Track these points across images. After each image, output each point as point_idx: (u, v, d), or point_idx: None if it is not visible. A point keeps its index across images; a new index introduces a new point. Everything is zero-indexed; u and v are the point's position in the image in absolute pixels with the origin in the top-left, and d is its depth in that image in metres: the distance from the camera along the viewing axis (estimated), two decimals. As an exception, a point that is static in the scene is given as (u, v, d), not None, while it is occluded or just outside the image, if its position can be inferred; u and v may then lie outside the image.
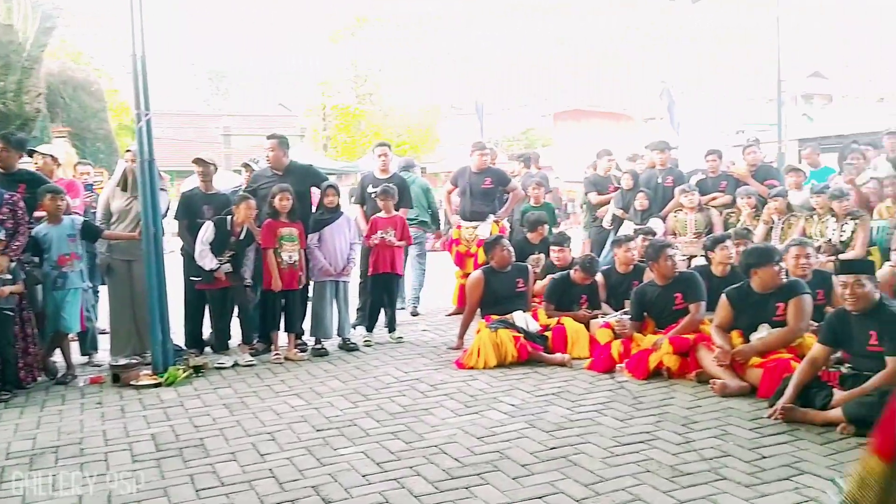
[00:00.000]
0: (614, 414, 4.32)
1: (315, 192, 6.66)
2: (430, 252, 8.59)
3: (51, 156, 6.58)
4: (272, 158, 6.42)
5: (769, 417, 4.10)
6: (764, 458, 3.56)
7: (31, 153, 6.35)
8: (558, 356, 5.53)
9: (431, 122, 30.44)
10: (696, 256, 7.20)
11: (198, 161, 6.29)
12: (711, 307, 5.23)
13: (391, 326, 6.69)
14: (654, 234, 7.12)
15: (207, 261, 5.81)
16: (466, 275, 7.53)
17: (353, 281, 6.78)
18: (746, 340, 4.82)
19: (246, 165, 7.36)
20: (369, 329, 6.65)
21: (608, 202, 8.49)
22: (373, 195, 7.00)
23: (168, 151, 13.79)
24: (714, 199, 7.84)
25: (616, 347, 5.35)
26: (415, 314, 7.84)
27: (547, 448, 3.79)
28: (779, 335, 4.67)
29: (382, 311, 6.73)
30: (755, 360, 4.64)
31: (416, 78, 30.69)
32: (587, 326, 5.90)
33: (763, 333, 4.75)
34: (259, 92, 50.07)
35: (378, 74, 31.28)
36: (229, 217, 5.92)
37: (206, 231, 5.86)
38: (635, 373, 5.05)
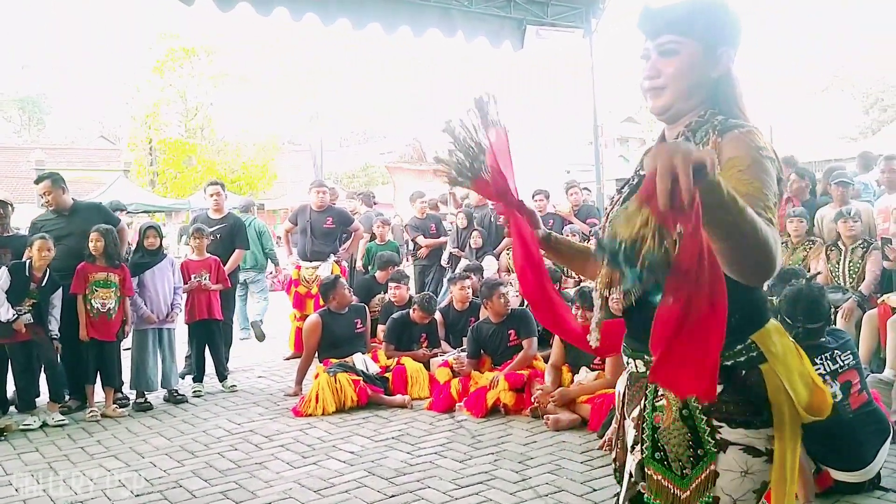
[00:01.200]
0: (454, 455, 4.32)
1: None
2: (272, 291, 8.39)
3: None
4: (51, 200, 5.84)
5: (599, 448, 4.28)
6: (594, 490, 3.69)
7: None
8: (398, 398, 5.49)
9: (268, 157, 29.75)
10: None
11: None
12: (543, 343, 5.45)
13: (220, 375, 6.33)
14: (482, 270, 7.33)
15: (3, 311, 5.21)
16: (304, 317, 7.32)
17: (181, 328, 6.36)
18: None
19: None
20: (197, 379, 6.25)
21: (436, 245, 8.66)
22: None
23: (-33, 187, 12.46)
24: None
25: (455, 386, 5.39)
26: (260, 336, 7.77)
27: (387, 497, 3.71)
28: (594, 385, 4.89)
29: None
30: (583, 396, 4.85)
31: (251, 111, 29.97)
32: (427, 366, 5.91)
33: (582, 377, 5.01)
34: (79, 123, 46.80)
35: (209, 108, 30.20)
36: (28, 261, 5.36)
37: (1, 278, 5.25)
38: (474, 411, 5.11)
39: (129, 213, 13.73)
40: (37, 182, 5.83)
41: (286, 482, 3.97)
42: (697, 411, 1.46)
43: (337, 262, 7.43)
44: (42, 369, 5.51)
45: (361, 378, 5.54)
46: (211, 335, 6.30)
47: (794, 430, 1.48)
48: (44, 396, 5.55)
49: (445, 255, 8.68)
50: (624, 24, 7.39)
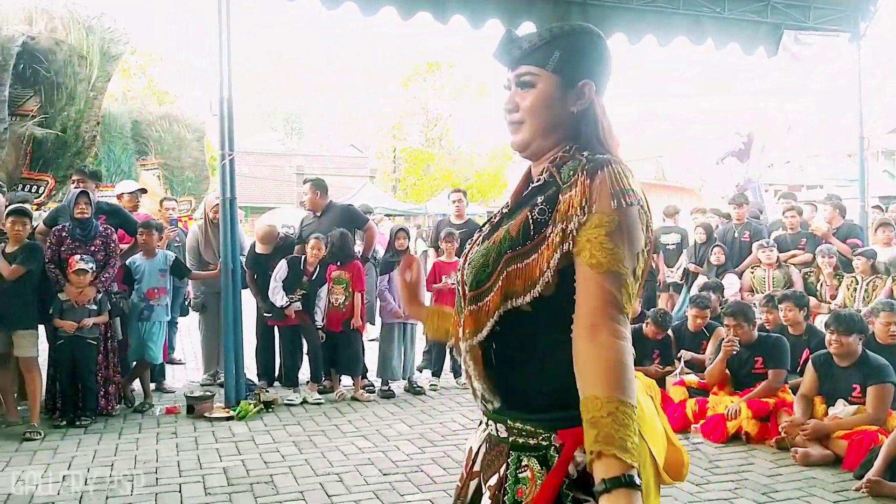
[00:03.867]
0: (689, 477, 4.16)
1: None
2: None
3: (140, 189, 6.93)
4: (308, 202, 6.54)
5: (856, 490, 3.90)
6: (852, 535, 3.38)
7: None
8: (629, 412, 5.38)
9: (500, 166, 30.66)
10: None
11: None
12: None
13: (456, 371, 6.66)
14: (722, 289, 6.96)
15: (279, 297, 5.94)
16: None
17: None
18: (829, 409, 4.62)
19: None
20: (436, 374, 6.64)
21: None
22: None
23: (243, 188, 14.22)
24: (794, 255, 7.61)
25: (691, 406, 5.18)
26: None
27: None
28: (854, 420, 4.43)
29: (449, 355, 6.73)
30: (839, 431, 4.43)
31: (485, 122, 31.09)
32: (660, 383, 5.75)
33: (839, 409, 4.55)
34: (332, 133, 51.54)
35: (448, 119, 31.80)
36: (303, 257, 6.06)
37: (280, 269, 6.01)
38: (711, 436, 4.88)
39: (373, 215, 14.85)
40: (304, 183, 6.71)
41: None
42: (563, 486, 1.32)
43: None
44: (305, 352, 6.21)
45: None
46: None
47: (657, 495, 1.37)
48: (304, 376, 6.25)
49: (680, 272, 8.36)
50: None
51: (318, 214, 6.48)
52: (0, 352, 5.11)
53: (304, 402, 5.89)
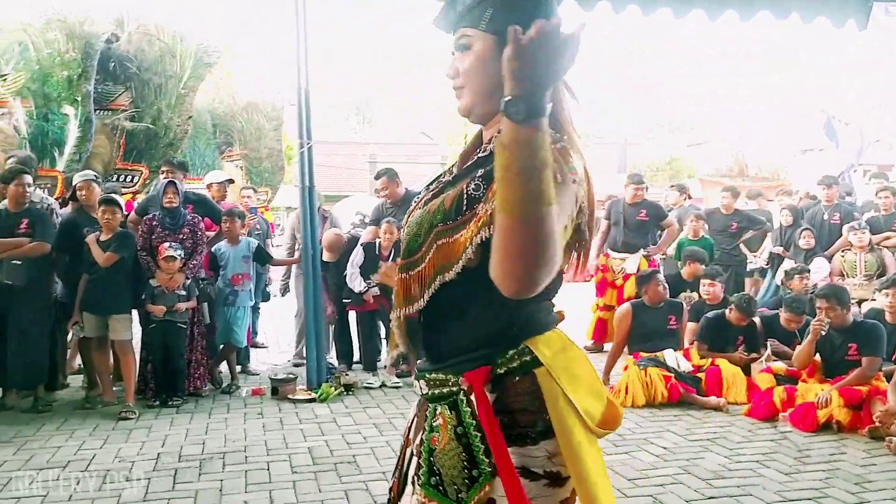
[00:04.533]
0: (778, 466, 4.05)
1: None
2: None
3: (227, 180, 7.17)
4: (388, 194, 6.53)
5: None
6: (957, 529, 3.21)
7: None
8: (713, 399, 5.27)
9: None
10: (865, 300, 6.66)
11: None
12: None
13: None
14: (808, 273, 6.68)
15: (357, 283, 6.04)
16: (605, 307, 7.37)
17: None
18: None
19: None
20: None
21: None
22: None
23: (318, 177, 14.40)
24: (887, 238, 7.24)
25: (779, 394, 5.02)
26: None
27: (704, 497, 3.61)
28: None
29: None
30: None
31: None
32: (745, 370, 5.59)
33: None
34: (402, 121, 51.89)
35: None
36: (378, 241, 6.13)
37: (357, 254, 6.11)
38: (801, 425, 4.71)
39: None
40: (376, 178, 6.69)
41: (600, 466, 4.06)
42: (472, 427, 1.33)
43: (646, 256, 7.32)
44: (383, 336, 6.32)
45: (673, 375, 5.43)
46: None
47: (589, 446, 1.34)
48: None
49: (765, 255, 8.08)
50: None
51: (399, 203, 6.54)
52: (96, 335, 5.38)
53: (383, 385, 5.99)
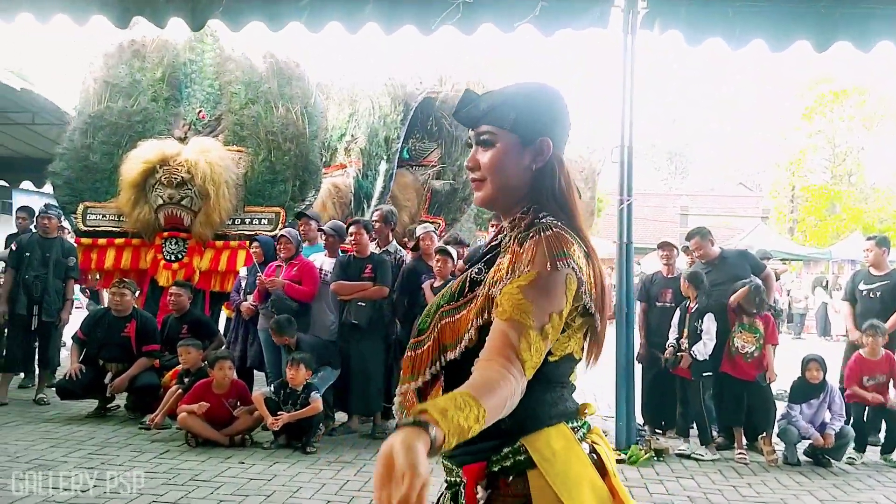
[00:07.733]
0: None
1: None
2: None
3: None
4: (702, 255, 6.15)
5: None
6: None
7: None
8: None
9: (924, 205, 26.09)
10: None
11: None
12: None
13: (888, 448, 5.72)
14: None
15: (700, 350, 5.77)
16: None
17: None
18: None
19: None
20: (858, 448, 5.77)
21: None
22: (864, 293, 6.21)
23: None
24: None
25: None
26: None
27: None
28: None
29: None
30: None
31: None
32: None
33: None
34: (718, 172, 49.48)
35: (859, 152, 28.16)
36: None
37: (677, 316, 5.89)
38: None
39: (771, 260, 13.80)
40: (688, 238, 6.39)
41: None
42: None
43: None
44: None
45: None
46: None
47: None
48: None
49: None
50: None
51: (716, 262, 6.19)
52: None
53: (697, 456, 5.63)
